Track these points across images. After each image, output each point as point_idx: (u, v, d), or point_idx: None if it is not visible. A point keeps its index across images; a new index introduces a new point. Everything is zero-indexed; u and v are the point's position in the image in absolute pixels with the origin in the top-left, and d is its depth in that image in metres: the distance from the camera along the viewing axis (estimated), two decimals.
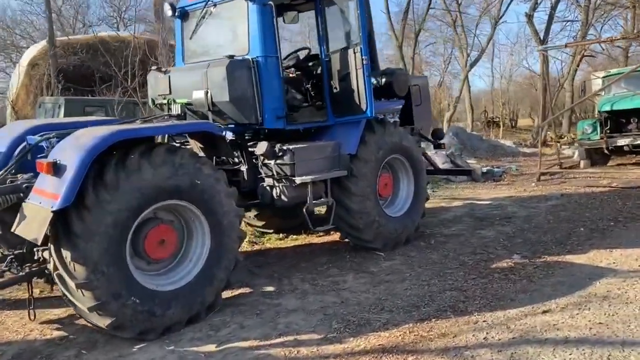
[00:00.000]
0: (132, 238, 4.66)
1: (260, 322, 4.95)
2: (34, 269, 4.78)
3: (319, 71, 6.65)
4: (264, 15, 5.84)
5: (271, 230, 8.04)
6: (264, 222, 7.90)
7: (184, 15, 6.72)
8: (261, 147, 5.93)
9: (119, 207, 4.38)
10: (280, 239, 7.91)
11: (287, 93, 6.39)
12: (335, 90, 6.44)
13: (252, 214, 7.77)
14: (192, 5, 6.57)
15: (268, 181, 6.12)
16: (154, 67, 6.55)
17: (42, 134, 5.03)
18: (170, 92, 6.26)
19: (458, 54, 22.57)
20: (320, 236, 7.79)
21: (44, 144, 4.96)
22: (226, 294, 5.62)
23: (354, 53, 6.17)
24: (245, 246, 7.56)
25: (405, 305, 5.11)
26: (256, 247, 7.59)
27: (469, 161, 14.83)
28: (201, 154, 5.60)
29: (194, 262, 5.02)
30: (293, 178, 5.92)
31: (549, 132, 20.37)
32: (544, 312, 4.74)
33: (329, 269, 6.38)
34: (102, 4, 21.95)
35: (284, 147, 5.91)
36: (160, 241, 4.84)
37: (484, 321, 4.64)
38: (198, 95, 5.90)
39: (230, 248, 5.14)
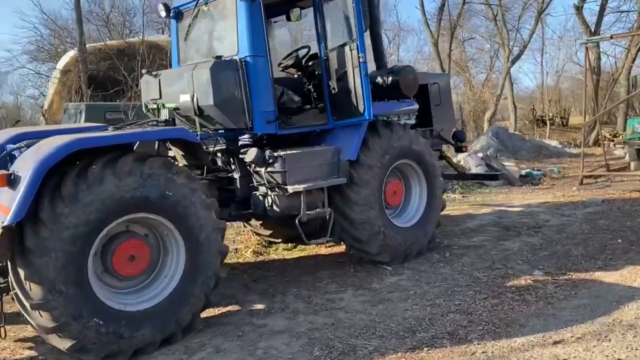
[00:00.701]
0: (101, 253, 4.39)
1: (239, 345, 4.53)
2: (1, 285, 4.54)
3: (318, 71, 6.18)
4: (251, 13, 5.43)
5: (279, 240, 7.63)
6: (270, 231, 7.50)
7: (178, 15, 6.41)
8: (250, 154, 5.52)
9: (77, 221, 4.06)
10: (288, 249, 7.49)
11: (283, 95, 5.97)
12: (333, 92, 5.97)
13: (258, 222, 7.40)
14: (185, 4, 6.25)
15: (260, 190, 5.71)
16: (144, 71, 6.25)
17: (20, 143, 4.78)
18: (160, 97, 5.95)
19: (501, 50, 21.47)
20: (329, 246, 7.31)
21: (16, 153, 4.72)
22: (212, 312, 5.27)
23: (350, 51, 5.67)
24: (249, 256, 7.24)
25: (400, 330, 4.57)
26: (260, 258, 7.20)
27: (507, 163, 13.96)
28: (185, 162, 5.27)
29: (167, 280, 4.66)
30: (285, 187, 5.49)
31: (602, 131, 19.05)
32: (556, 342, 4.10)
33: (328, 284, 5.90)
34: (147, 9, 22.12)
35: (275, 154, 5.48)
36: (130, 257, 4.49)
37: (482, 352, 4.05)
38: (184, 99, 5.56)
39: (209, 264, 4.74)
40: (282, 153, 5.49)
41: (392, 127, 6.27)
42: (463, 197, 10.93)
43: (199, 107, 5.45)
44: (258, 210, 5.76)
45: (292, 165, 5.49)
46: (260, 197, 5.70)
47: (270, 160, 5.48)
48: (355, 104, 5.76)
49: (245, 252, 7.42)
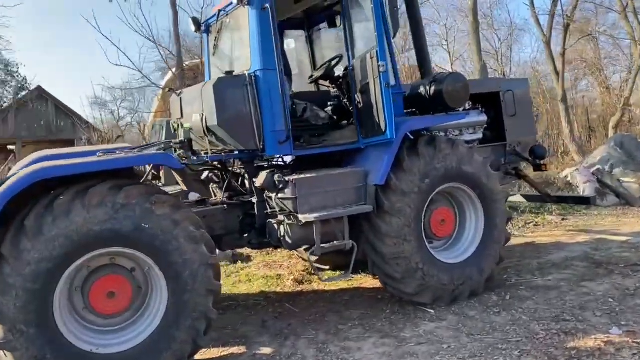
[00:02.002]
0: (82, 288, 4.11)
1: None
2: None
3: (347, 84, 5.46)
4: (261, 23, 4.89)
5: (327, 267, 6.97)
6: (317, 257, 6.86)
7: (207, 29, 6.07)
8: (260, 178, 4.98)
9: (40, 256, 3.79)
10: (332, 278, 6.77)
11: (306, 111, 5.33)
12: (359, 106, 5.21)
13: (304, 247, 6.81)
14: (211, 18, 5.89)
15: (274, 218, 5.12)
16: (167, 89, 5.97)
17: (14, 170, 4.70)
18: (182, 116, 5.63)
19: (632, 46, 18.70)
20: (376, 278, 6.49)
21: None
22: (215, 353, 4.80)
23: (371, 59, 4.88)
24: (289, 285, 6.67)
25: None
26: (299, 288, 6.59)
27: (627, 179, 11.89)
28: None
29: (149, 321, 4.25)
30: (297, 215, 4.85)
31: None
32: None
33: (353, 327, 5.14)
34: None
35: (285, 178, 4.86)
36: (109, 293, 4.16)
37: None
38: (196, 118, 5.17)
39: (195, 305, 4.24)
40: (293, 177, 4.86)
41: (437, 144, 5.33)
42: (562, 219, 9.40)
43: (207, 128, 5.01)
44: (273, 240, 5.18)
45: (305, 192, 4.84)
46: (275, 225, 5.12)
47: (281, 186, 4.87)
48: (377, 120, 4.96)
49: (287, 279, 6.87)
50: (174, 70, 15.68)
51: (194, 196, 5.69)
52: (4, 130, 25.64)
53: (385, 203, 5.09)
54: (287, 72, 5.55)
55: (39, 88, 25.03)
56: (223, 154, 5.26)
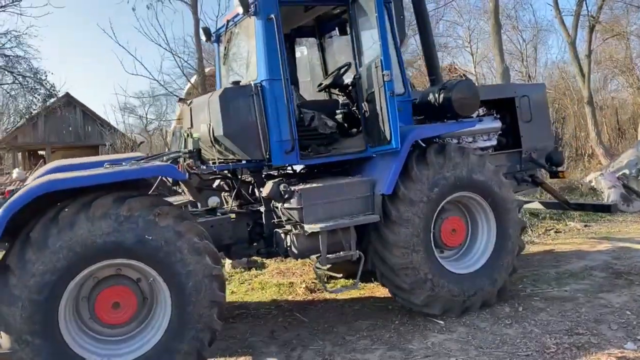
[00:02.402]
0: (88, 299, 4.16)
1: None
2: None
3: (355, 92, 5.41)
4: (267, 33, 4.89)
5: (340, 275, 6.93)
6: (324, 267, 6.82)
7: (218, 39, 6.10)
8: (267, 188, 4.97)
9: (45, 268, 3.85)
10: (346, 286, 6.72)
11: (313, 120, 5.30)
12: (366, 115, 5.16)
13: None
14: (221, 28, 5.92)
15: (281, 227, 5.11)
16: (177, 99, 6.02)
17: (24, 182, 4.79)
18: (192, 125, 5.66)
19: None
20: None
21: None
22: None
23: (375, 68, 4.82)
24: (300, 293, 6.64)
25: None
26: (311, 296, 6.55)
27: None
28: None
29: (154, 332, 4.27)
30: (303, 225, 4.82)
31: None
32: None
33: (361, 338, 5.08)
34: None
35: (291, 188, 4.84)
36: (114, 304, 4.20)
37: None
38: (203, 129, 5.20)
39: (199, 316, 4.25)
40: (298, 187, 4.84)
41: (446, 153, 5.24)
42: (585, 226, 9.16)
43: (214, 137, 5.04)
44: (280, 249, 5.16)
45: (311, 201, 4.81)
46: (282, 234, 5.10)
47: (286, 196, 4.86)
48: (383, 129, 4.90)
49: (299, 287, 6.84)
50: (191, 79, 15.84)
51: (213, 201, 5.66)
52: (34, 136, 26.35)
53: (393, 213, 5.03)
54: (295, 81, 5.53)
55: (67, 95, 25.61)
56: (230, 163, 5.27)
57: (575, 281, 6.15)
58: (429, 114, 5.65)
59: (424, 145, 5.45)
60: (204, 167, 5.34)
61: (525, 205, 7.97)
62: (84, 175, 4.04)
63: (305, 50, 7.02)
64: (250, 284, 7.29)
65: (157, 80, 13.36)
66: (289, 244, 4.99)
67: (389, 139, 4.89)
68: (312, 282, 6.98)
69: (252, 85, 4.92)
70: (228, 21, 5.62)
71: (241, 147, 4.93)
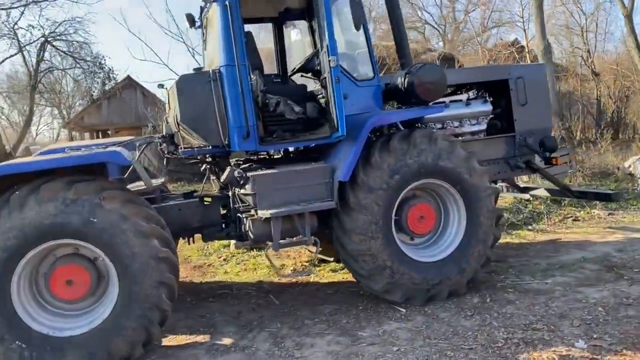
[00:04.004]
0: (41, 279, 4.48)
1: None
2: None
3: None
4: (224, 19, 4.93)
5: (331, 259, 6.97)
6: (320, 249, 6.85)
7: (201, 26, 6.20)
8: (224, 174, 5.06)
9: None
10: (334, 270, 6.78)
11: (278, 106, 5.31)
12: (322, 101, 5.11)
13: None
14: (201, 15, 6.01)
15: (243, 212, 5.20)
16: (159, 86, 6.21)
17: None
18: (168, 111, 5.85)
19: None
20: None
21: None
22: (177, 340, 5.02)
23: (324, 54, 4.74)
24: (278, 278, 6.71)
25: None
26: (297, 279, 6.63)
27: None
28: None
29: (104, 308, 4.52)
30: (257, 210, 4.90)
31: None
32: None
33: (319, 322, 5.12)
34: None
35: (245, 174, 4.91)
36: (68, 282, 4.48)
37: None
38: (172, 114, 5.35)
39: (146, 296, 4.44)
40: (252, 173, 4.90)
41: (411, 139, 5.11)
42: (609, 214, 8.60)
43: (177, 123, 5.18)
44: (242, 233, 5.26)
45: (264, 187, 4.86)
46: (243, 219, 5.20)
47: (242, 182, 4.94)
48: (331, 116, 4.84)
49: (287, 269, 6.94)
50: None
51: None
52: (99, 117, 27.86)
53: (350, 199, 4.99)
54: (260, 67, 5.54)
55: (128, 77, 26.81)
56: (195, 149, 5.39)
57: (562, 273, 5.85)
58: (398, 99, 5.51)
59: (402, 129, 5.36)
60: (177, 152, 5.52)
61: (531, 192, 7.62)
62: (24, 162, 4.31)
63: (299, 33, 7.00)
64: (245, 265, 7.47)
65: (167, 65, 13.68)
66: (247, 229, 5.08)
67: (336, 126, 4.83)
68: (302, 265, 7.06)
69: (211, 71, 5.00)
70: (202, 7, 5.71)
71: (200, 133, 5.04)
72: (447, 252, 5.32)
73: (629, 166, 10.55)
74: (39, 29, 21.31)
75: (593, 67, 19.22)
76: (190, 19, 6.15)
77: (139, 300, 4.44)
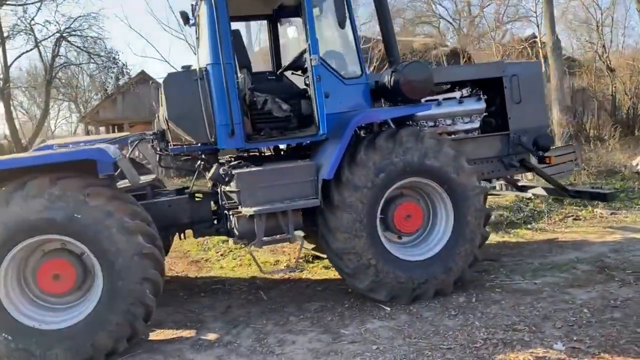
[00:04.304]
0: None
1: None
2: None
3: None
4: (209, 17, 4.97)
5: (325, 255, 6.97)
6: (314, 245, 6.90)
7: (195, 23, 6.24)
8: (211, 171, 5.11)
9: None
10: (327, 268, 6.80)
11: (266, 103, 5.34)
12: (308, 99, 5.12)
13: (302, 234, 6.87)
14: (194, 13, 6.05)
15: (229, 209, 5.25)
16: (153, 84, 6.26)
17: None
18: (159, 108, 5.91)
19: None
20: None
21: None
22: (164, 334, 5.10)
23: (307, 52, 4.75)
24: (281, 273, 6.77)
25: None
26: (289, 275, 6.67)
27: None
28: None
29: (89, 303, 4.61)
30: (241, 207, 4.94)
31: None
32: None
33: (302, 320, 5.16)
34: None
35: (230, 172, 4.96)
36: (55, 276, 4.57)
37: None
38: (161, 112, 5.42)
39: (130, 292, 4.51)
40: (236, 171, 4.94)
41: (398, 137, 5.10)
42: (611, 213, 8.48)
43: (166, 121, 5.24)
44: (229, 230, 5.32)
45: (247, 185, 4.90)
46: (229, 216, 5.25)
47: (227, 179, 4.98)
48: (314, 115, 4.85)
49: (281, 265, 6.99)
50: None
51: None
52: (114, 111, 28.18)
53: (335, 197, 5.00)
54: (247, 65, 5.57)
55: (142, 72, 27.04)
56: (185, 146, 5.44)
57: (552, 274, 5.80)
58: (386, 97, 5.50)
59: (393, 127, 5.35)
60: (167, 149, 5.58)
61: (529, 191, 7.54)
62: (12, 158, 4.40)
63: (295, 30, 7.01)
64: (242, 260, 7.53)
65: (168, 62, 13.75)
66: (232, 226, 5.13)
67: (317, 124, 4.84)
68: (301, 260, 7.09)
69: (197, 69, 5.04)
70: (192, 5, 5.75)
71: (187, 130, 5.09)
72: (434, 251, 5.31)
73: (637, 164, 10.38)
74: (55, 25, 21.66)
75: (608, 62, 18.87)
76: (184, 17, 6.18)
77: (123, 295, 4.52)
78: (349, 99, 5.30)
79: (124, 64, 22.96)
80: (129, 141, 5.72)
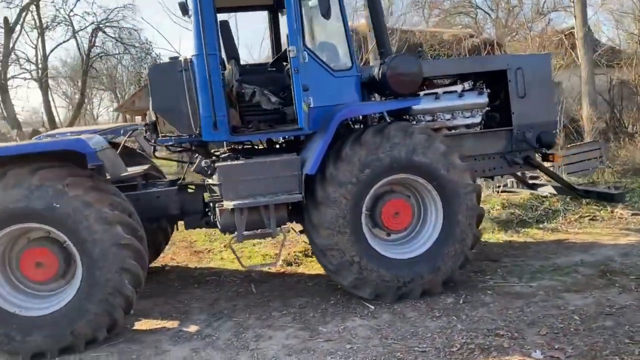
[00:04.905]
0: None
1: None
2: None
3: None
4: (194, 6, 4.92)
5: None
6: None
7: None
8: (196, 163, 5.09)
9: None
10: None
11: (254, 96, 5.27)
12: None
13: (299, 228, 6.82)
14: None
15: (214, 202, 5.23)
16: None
17: None
18: None
19: None
20: None
21: None
22: (151, 324, 5.12)
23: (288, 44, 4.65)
24: (278, 266, 6.71)
25: None
26: (283, 269, 6.62)
27: None
28: None
29: (69, 290, 4.67)
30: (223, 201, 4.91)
31: None
32: None
33: (285, 315, 5.11)
34: None
35: (213, 165, 4.92)
36: (37, 263, 4.66)
37: None
38: (149, 103, 5.42)
39: (107, 281, 4.55)
40: (218, 164, 4.90)
41: (385, 132, 4.95)
42: (633, 215, 8.03)
43: (154, 112, 5.25)
44: (215, 222, 5.29)
45: (228, 178, 4.85)
46: (215, 209, 5.22)
47: (209, 172, 4.95)
48: (294, 109, 4.74)
49: (280, 259, 6.93)
50: None
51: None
52: (149, 101, 28.72)
53: (318, 193, 4.90)
54: (235, 56, 5.50)
55: None
56: (173, 137, 5.43)
57: (551, 277, 5.54)
58: (376, 90, 5.34)
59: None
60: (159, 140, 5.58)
61: (539, 189, 7.24)
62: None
63: None
64: (242, 253, 7.52)
65: (178, 52, 13.85)
66: (216, 218, 5.10)
67: (298, 119, 4.74)
68: (294, 256, 7.03)
69: (182, 60, 5.01)
70: None
71: (171, 121, 5.08)
72: (421, 249, 5.15)
73: None
74: (93, 16, 22.20)
75: None
76: (183, 8, 6.17)
77: (101, 285, 4.56)
78: (338, 92, 5.17)
79: (157, 55, 23.36)
80: (122, 132, 5.75)
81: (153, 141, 5.72)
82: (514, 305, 4.88)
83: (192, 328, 5.00)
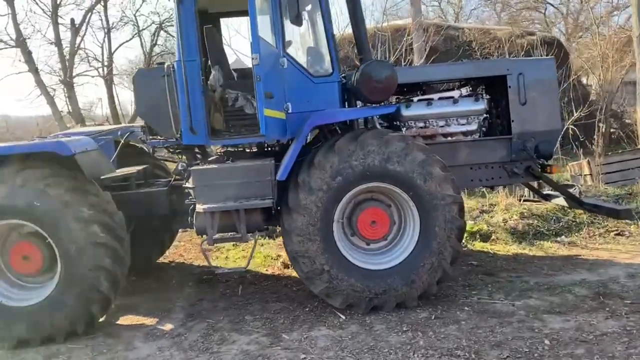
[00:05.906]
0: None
1: None
2: None
3: None
4: (177, 14, 5.03)
5: None
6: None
7: None
8: (175, 167, 5.22)
9: None
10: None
11: (237, 100, 5.34)
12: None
13: None
14: None
15: (191, 205, 5.33)
16: None
17: None
18: None
19: None
20: None
21: None
22: (131, 320, 5.33)
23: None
24: (277, 268, 6.78)
25: None
26: (280, 272, 6.66)
27: None
28: None
29: (51, 284, 4.94)
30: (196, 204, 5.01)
31: None
32: None
33: (258, 319, 5.15)
34: None
35: (188, 169, 5.03)
36: (24, 257, 4.97)
37: None
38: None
39: (83, 278, 4.79)
40: (192, 168, 5.00)
41: (360, 140, 4.86)
42: None
43: (139, 116, 5.43)
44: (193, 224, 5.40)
45: (202, 182, 4.94)
46: (191, 211, 5.33)
47: (185, 175, 5.06)
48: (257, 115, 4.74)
49: (278, 262, 6.98)
50: None
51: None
52: None
53: (290, 199, 4.89)
54: (220, 62, 5.55)
55: None
56: (161, 140, 5.57)
57: (540, 296, 5.23)
58: (355, 97, 5.25)
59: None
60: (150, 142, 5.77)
61: (553, 200, 6.82)
62: None
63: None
64: (246, 253, 7.62)
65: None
66: (191, 221, 5.22)
67: (260, 126, 4.74)
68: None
69: (165, 66, 5.14)
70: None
71: (154, 125, 5.23)
72: (396, 261, 5.02)
73: None
74: (157, 15, 23.09)
75: None
76: None
77: (77, 280, 4.81)
78: (317, 98, 5.14)
79: None
80: (119, 134, 5.99)
81: (147, 142, 5.93)
82: (486, 324, 4.67)
83: (167, 327, 5.15)
